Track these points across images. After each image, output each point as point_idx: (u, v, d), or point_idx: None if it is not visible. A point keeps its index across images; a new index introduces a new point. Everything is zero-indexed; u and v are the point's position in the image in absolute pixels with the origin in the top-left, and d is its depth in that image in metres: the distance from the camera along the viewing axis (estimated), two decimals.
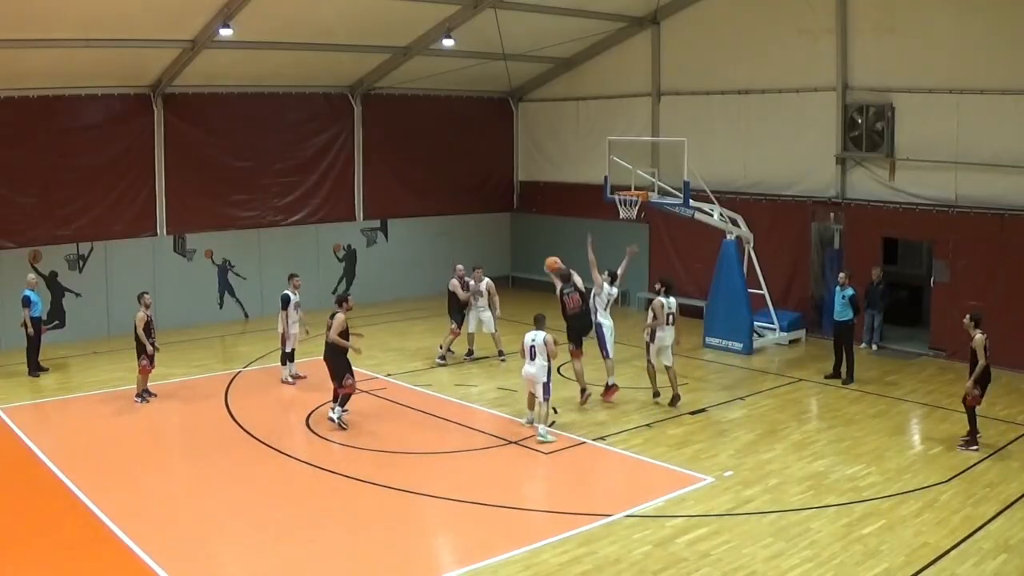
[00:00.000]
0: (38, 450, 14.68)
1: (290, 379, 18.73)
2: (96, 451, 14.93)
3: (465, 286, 20.36)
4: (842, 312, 18.50)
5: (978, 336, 14.61)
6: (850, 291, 18.51)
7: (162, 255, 23.78)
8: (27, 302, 19.16)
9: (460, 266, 20.91)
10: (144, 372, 17.36)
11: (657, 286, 17.52)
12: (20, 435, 15.53)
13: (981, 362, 14.50)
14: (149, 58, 21.53)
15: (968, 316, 15.03)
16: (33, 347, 19.36)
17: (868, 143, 21.27)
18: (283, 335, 18.57)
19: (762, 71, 23.07)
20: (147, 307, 17.30)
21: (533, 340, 15.33)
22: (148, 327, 17.28)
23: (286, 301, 18.50)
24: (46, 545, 11.41)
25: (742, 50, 23.40)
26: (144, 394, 17.45)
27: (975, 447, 14.53)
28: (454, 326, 20.36)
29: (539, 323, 15.61)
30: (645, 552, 11.09)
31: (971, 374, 14.65)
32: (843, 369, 18.65)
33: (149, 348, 17.16)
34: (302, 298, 18.92)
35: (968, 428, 14.78)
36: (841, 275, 18.95)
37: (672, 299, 17.19)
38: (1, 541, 11.51)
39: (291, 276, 18.98)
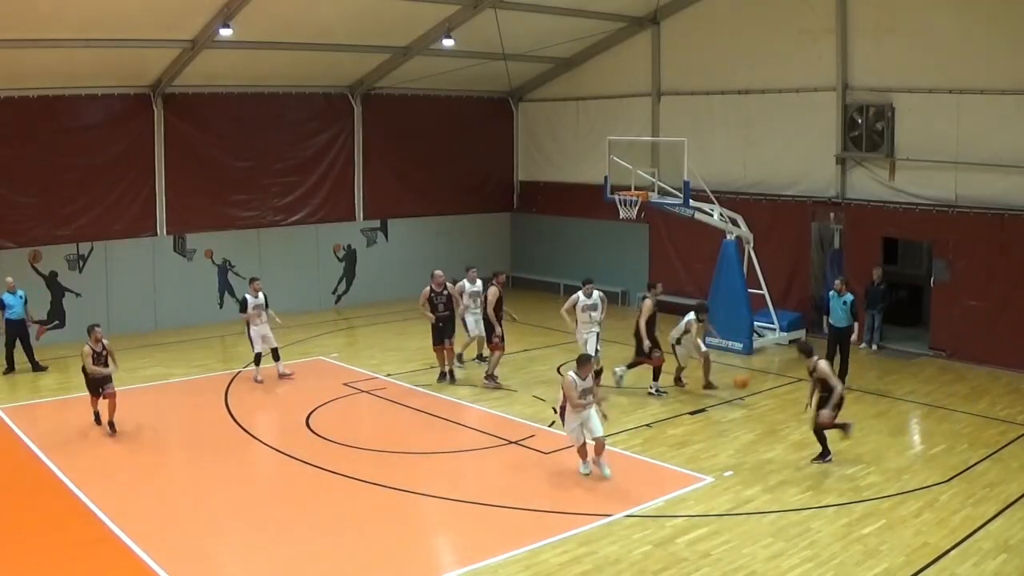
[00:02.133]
0: (38, 450, 14.68)
1: (259, 379, 18.83)
2: (96, 451, 14.92)
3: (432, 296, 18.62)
4: (844, 318, 18.16)
5: (821, 364, 14.08)
6: (850, 296, 18.12)
7: (162, 255, 23.78)
8: (1, 304, 19.35)
9: (439, 272, 19.03)
10: (110, 399, 15.80)
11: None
12: (20, 435, 15.54)
13: (839, 388, 13.92)
14: (149, 58, 21.54)
15: (798, 350, 14.91)
16: (10, 344, 19.58)
17: (868, 143, 21.27)
18: (249, 338, 18.82)
19: (762, 71, 23.07)
20: (96, 341, 15.81)
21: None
22: (97, 361, 15.78)
23: (244, 304, 18.76)
24: (46, 545, 11.40)
25: (742, 50, 23.39)
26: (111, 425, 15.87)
27: (829, 458, 14.08)
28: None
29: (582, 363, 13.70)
30: (645, 552, 11.09)
31: (817, 400, 14.07)
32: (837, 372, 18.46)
33: (105, 370, 15.84)
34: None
35: (820, 447, 14.20)
36: (837, 282, 18.59)
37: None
38: (1, 541, 11.51)
39: (251, 280, 19.22)
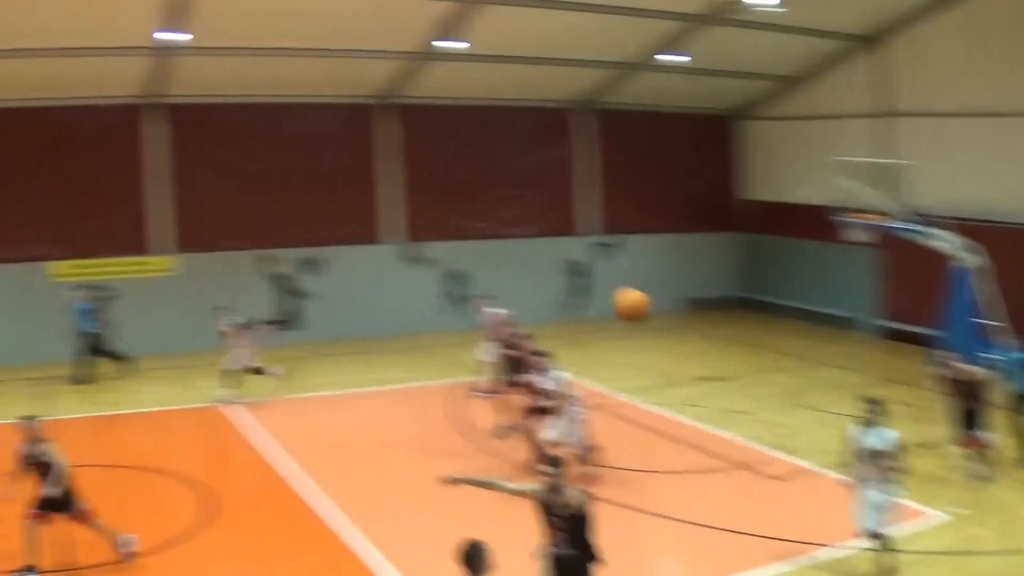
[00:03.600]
0: (260, 448, 15.58)
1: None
2: (331, 454, 15.62)
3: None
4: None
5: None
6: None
7: (390, 262, 24.87)
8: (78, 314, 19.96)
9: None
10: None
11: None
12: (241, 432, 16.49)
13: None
14: (369, 67, 22.72)
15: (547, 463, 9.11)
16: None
17: None
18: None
19: (1008, 91, 21.76)
20: (34, 440, 10.63)
21: None
22: (32, 467, 10.66)
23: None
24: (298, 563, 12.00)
25: (982, 68, 22.10)
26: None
27: None
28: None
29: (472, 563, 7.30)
30: None
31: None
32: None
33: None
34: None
35: None
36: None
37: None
38: (236, 532, 12.24)
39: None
